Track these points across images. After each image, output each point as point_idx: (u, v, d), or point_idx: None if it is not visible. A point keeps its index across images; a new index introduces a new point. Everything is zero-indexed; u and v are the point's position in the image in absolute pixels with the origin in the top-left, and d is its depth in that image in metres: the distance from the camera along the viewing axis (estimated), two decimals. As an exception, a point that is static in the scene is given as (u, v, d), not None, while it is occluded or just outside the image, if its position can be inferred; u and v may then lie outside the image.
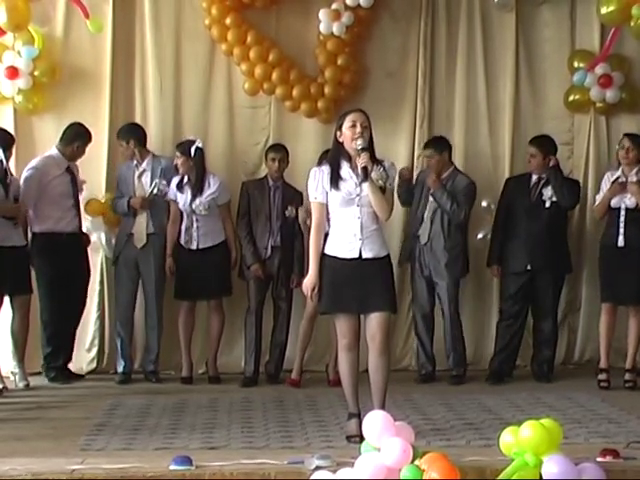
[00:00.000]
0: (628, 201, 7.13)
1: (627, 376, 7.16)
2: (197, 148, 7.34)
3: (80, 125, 7.41)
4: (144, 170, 7.49)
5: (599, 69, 7.88)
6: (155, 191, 7.41)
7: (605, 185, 7.32)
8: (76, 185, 7.42)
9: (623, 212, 7.17)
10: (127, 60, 7.90)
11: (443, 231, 7.40)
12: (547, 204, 7.32)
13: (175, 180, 7.42)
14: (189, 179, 7.38)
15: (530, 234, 7.33)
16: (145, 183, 7.47)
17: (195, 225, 7.37)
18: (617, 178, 7.25)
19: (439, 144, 7.51)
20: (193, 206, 7.34)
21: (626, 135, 7.41)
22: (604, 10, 7.65)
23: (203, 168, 7.40)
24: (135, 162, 7.50)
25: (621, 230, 7.16)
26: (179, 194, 7.40)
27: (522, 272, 7.39)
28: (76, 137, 7.38)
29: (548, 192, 7.31)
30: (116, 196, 7.52)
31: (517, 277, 7.43)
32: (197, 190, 7.34)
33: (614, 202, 7.22)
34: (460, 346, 7.50)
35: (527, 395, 6.80)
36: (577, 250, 7.85)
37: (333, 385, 7.00)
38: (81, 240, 7.44)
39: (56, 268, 7.26)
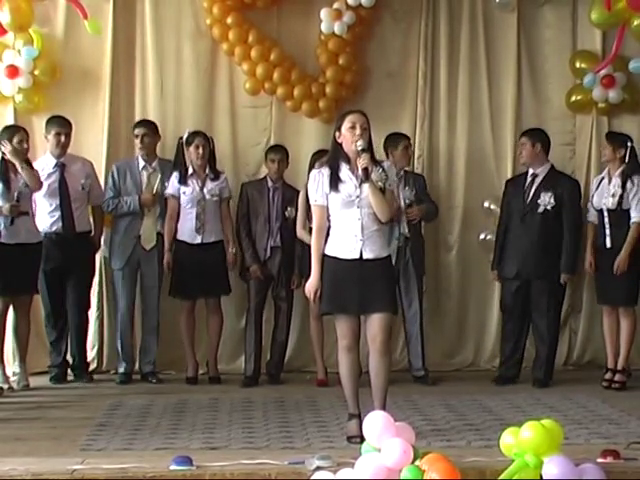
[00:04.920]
0: (609, 203, 7.11)
1: (617, 377, 7.14)
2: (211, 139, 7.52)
3: (52, 116, 7.40)
4: (154, 170, 7.48)
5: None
6: (161, 191, 7.41)
7: (594, 189, 7.32)
8: (65, 184, 7.34)
9: (606, 213, 7.15)
10: (128, 60, 7.90)
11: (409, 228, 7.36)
12: (540, 209, 7.19)
13: (175, 175, 7.41)
14: (194, 170, 7.38)
15: (520, 240, 7.24)
16: (156, 183, 7.42)
17: (204, 213, 7.36)
18: (602, 179, 7.26)
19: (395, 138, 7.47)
20: (205, 191, 7.35)
21: (606, 134, 7.51)
22: (596, 14, 7.63)
23: (214, 158, 7.50)
24: (144, 162, 7.48)
25: (607, 231, 7.14)
26: (184, 187, 7.37)
27: (512, 278, 7.33)
28: (45, 128, 7.38)
29: (546, 198, 7.19)
30: (113, 195, 7.45)
31: (510, 282, 7.38)
32: (208, 177, 7.40)
33: (596, 204, 7.21)
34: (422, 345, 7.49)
35: (527, 396, 6.79)
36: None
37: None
38: (73, 239, 7.35)
39: (48, 267, 7.27)
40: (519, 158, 7.51)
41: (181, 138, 7.44)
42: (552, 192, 7.19)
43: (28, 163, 7.09)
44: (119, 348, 7.55)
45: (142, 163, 7.48)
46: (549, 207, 7.18)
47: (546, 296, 7.25)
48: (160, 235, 7.44)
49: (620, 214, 7.09)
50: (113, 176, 7.47)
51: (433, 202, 7.56)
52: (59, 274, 7.34)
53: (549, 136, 7.43)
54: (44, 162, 7.39)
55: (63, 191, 7.35)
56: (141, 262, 7.47)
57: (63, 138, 7.33)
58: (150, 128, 7.50)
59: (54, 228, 7.33)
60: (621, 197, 7.06)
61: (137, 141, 7.47)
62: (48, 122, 7.37)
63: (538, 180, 7.28)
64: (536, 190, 7.25)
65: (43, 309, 7.44)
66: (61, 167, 7.38)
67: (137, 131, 7.48)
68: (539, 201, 7.20)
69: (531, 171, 7.33)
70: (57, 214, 7.33)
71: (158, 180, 7.41)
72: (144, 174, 7.47)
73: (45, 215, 7.33)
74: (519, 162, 7.59)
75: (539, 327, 7.34)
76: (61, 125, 7.35)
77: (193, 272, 7.33)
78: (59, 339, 7.47)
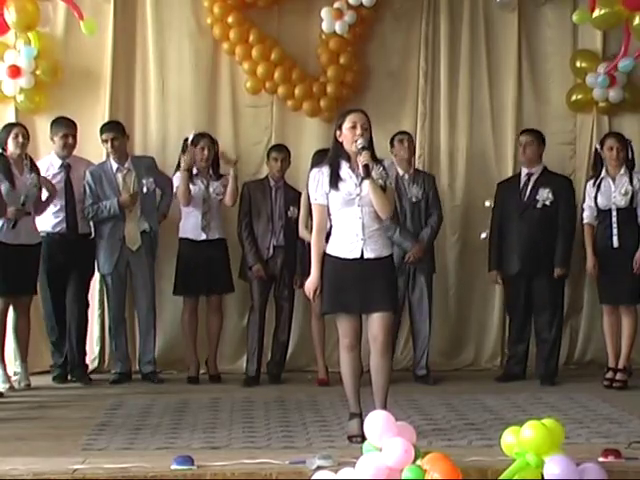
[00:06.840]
0: (621, 202, 7.09)
1: (618, 376, 7.14)
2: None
3: (57, 118, 7.39)
4: (129, 170, 7.42)
5: (601, 69, 7.87)
6: (144, 190, 7.38)
7: (590, 193, 7.25)
8: (71, 185, 7.34)
9: (615, 213, 7.12)
10: (128, 59, 7.91)
11: (421, 226, 7.38)
12: (539, 204, 7.25)
13: (177, 175, 7.42)
14: (198, 170, 7.42)
15: (521, 236, 7.27)
16: (131, 182, 7.37)
17: (210, 211, 7.40)
18: (601, 180, 7.20)
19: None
20: (210, 190, 7.40)
21: (612, 135, 7.40)
22: (595, 14, 7.62)
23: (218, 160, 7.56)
24: (117, 165, 7.39)
25: (615, 231, 7.11)
26: (190, 186, 7.37)
27: (515, 275, 7.36)
28: (50, 129, 7.37)
29: (544, 193, 7.24)
30: (92, 202, 7.34)
31: (513, 280, 7.41)
32: (212, 177, 7.48)
33: (603, 205, 7.17)
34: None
35: (528, 395, 6.79)
36: (579, 251, 7.80)
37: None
38: (76, 240, 7.35)
39: (50, 268, 7.27)
40: (521, 156, 7.53)
41: (186, 140, 7.40)
42: (550, 188, 7.25)
43: (31, 163, 7.09)
44: (113, 348, 7.56)
45: (115, 165, 7.40)
46: (547, 202, 7.24)
47: (547, 293, 7.29)
48: (145, 234, 7.43)
49: (631, 212, 7.09)
50: (89, 182, 7.37)
51: (439, 211, 7.46)
52: (60, 274, 7.33)
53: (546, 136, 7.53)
54: (49, 162, 7.39)
55: (68, 192, 7.34)
56: (130, 263, 7.42)
57: (70, 140, 7.33)
58: (118, 131, 7.40)
59: (58, 229, 7.32)
60: (633, 194, 7.05)
61: (107, 146, 7.38)
62: (54, 124, 7.36)
63: (534, 178, 7.35)
64: (533, 187, 7.31)
65: (43, 309, 7.43)
66: (67, 168, 7.37)
67: (105, 136, 7.37)
68: (537, 197, 7.27)
69: (526, 171, 7.41)
70: (61, 215, 7.32)
71: (134, 179, 7.38)
72: (119, 176, 7.39)
73: (49, 215, 7.31)
74: (520, 160, 7.60)
75: (540, 324, 7.36)
76: (68, 127, 7.34)
77: (197, 269, 7.35)
78: (60, 339, 7.47)
